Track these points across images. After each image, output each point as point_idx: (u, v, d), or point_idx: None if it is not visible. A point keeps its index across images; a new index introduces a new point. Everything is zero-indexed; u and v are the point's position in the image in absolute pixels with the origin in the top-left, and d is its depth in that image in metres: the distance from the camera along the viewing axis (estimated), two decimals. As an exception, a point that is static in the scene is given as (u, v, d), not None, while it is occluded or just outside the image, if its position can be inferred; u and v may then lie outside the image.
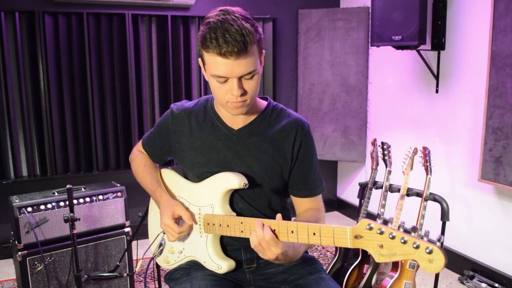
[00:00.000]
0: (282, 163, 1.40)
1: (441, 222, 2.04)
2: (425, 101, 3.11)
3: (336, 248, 2.43)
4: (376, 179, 2.25)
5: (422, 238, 0.96)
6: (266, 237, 1.16)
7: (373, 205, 2.34)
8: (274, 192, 1.43)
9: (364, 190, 2.28)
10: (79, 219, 2.14)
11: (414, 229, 1.01)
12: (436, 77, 2.96)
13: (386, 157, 2.21)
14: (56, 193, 2.33)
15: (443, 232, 2.06)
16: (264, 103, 1.44)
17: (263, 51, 1.29)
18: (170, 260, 1.50)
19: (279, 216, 1.21)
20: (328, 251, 3.31)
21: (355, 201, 3.77)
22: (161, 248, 1.50)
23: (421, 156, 2.13)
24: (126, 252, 2.41)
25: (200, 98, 1.51)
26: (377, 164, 2.24)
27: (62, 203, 2.27)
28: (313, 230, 1.12)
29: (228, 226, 1.31)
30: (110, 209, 2.42)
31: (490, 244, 2.73)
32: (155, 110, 3.45)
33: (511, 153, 2.41)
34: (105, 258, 2.42)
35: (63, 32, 3.11)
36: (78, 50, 3.16)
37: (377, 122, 3.61)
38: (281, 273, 1.44)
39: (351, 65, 3.63)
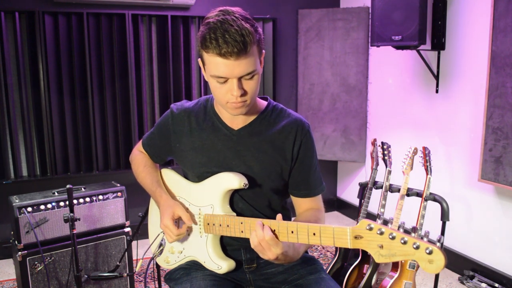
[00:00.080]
0: (282, 163, 1.40)
1: (441, 222, 2.04)
2: (425, 101, 3.10)
3: (336, 248, 2.43)
4: (376, 179, 2.25)
5: (422, 238, 0.96)
6: (266, 237, 1.16)
7: (373, 205, 2.34)
8: (274, 192, 1.43)
9: (364, 190, 2.28)
10: (79, 219, 2.14)
11: (414, 229, 1.01)
12: (436, 77, 2.96)
13: (386, 157, 2.21)
14: (56, 193, 2.33)
15: (443, 232, 2.06)
16: (264, 103, 1.44)
17: (263, 51, 1.29)
18: (170, 260, 1.50)
19: (279, 216, 1.21)
20: (328, 251, 3.31)
21: (355, 201, 3.76)
22: (161, 248, 1.50)
23: (421, 156, 2.13)
24: (126, 252, 2.41)
25: (200, 98, 1.51)
26: (377, 164, 2.24)
27: (62, 203, 2.27)
28: (313, 230, 1.12)
29: (228, 226, 1.31)
30: (110, 209, 2.42)
31: (490, 244, 2.73)
32: (155, 110, 3.45)
33: (511, 153, 2.41)
34: (105, 258, 2.42)
35: (63, 32, 3.11)
36: (78, 50, 3.16)
37: (377, 122, 3.61)
38: (281, 273, 1.44)
39: (351, 65, 3.63)
